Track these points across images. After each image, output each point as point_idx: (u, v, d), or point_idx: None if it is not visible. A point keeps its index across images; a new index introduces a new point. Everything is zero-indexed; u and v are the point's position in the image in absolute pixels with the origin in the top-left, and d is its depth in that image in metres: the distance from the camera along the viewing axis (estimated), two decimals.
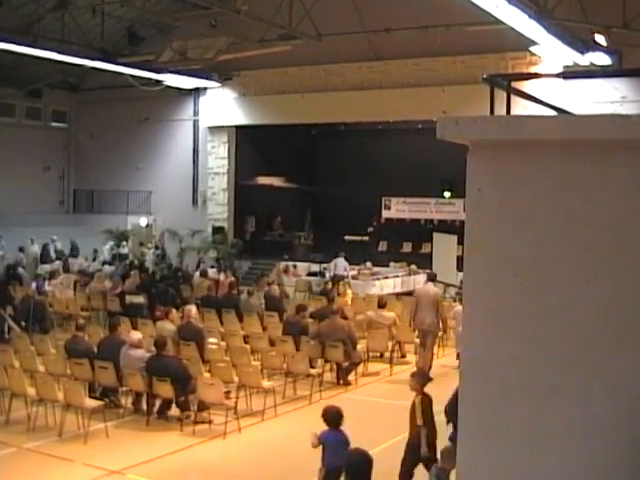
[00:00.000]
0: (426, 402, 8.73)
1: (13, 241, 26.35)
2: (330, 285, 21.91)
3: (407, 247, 28.84)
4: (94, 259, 26.54)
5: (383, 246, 29.29)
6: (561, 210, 2.72)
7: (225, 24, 22.49)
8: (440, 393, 9.11)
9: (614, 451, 2.66)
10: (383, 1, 24.12)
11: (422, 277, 24.50)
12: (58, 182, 33.49)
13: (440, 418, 8.74)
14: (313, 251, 29.63)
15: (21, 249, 26.03)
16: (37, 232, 27.13)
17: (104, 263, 25.76)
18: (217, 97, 29.41)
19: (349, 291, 20.62)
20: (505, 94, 3.59)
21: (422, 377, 9.21)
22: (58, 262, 25.36)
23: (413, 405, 8.75)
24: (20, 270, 23.95)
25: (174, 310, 15.68)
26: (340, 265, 24.32)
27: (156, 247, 28.69)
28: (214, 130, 29.92)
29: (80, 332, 13.16)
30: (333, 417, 8.15)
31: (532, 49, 20.62)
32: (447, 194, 27.11)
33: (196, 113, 30.30)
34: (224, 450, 10.52)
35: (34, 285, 20.11)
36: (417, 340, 15.42)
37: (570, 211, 2.71)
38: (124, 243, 28.45)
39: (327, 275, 23.96)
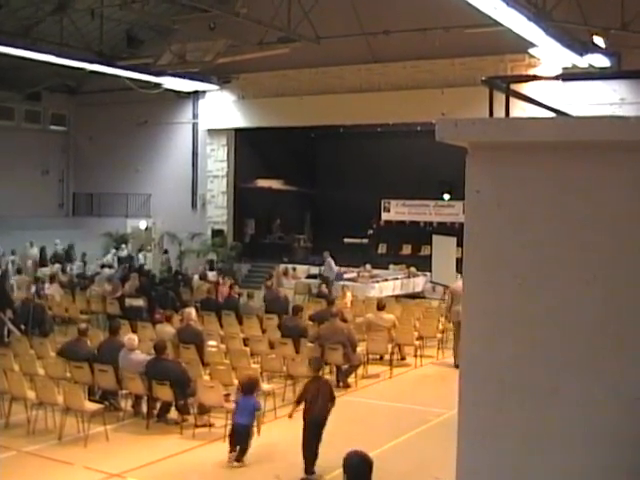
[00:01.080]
0: (310, 384, 9.88)
1: (12, 244, 26.34)
2: (326, 287, 21.63)
3: (406, 249, 28.82)
4: (84, 263, 26.51)
5: (382, 248, 29.26)
6: (560, 211, 2.73)
7: (224, 27, 22.47)
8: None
9: (614, 451, 2.66)
10: (382, 3, 24.14)
11: (422, 279, 24.62)
12: (57, 185, 33.49)
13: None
14: (312, 254, 29.63)
15: (13, 252, 25.99)
16: (37, 235, 27.12)
17: (103, 266, 25.77)
18: (216, 100, 29.43)
19: (348, 294, 20.58)
20: (504, 96, 3.60)
21: (315, 363, 10.55)
22: (57, 265, 25.36)
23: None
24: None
25: (174, 313, 15.67)
26: (334, 266, 24.35)
27: (165, 251, 28.62)
28: (213, 133, 29.93)
29: (83, 336, 13.13)
30: (247, 386, 10.22)
31: (531, 51, 20.63)
32: (446, 196, 27.08)
33: (195, 116, 30.31)
34: (224, 453, 10.50)
35: (34, 288, 20.11)
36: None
37: (569, 212, 2.72)
38: (123, 246, 28.45)
39: (330, 277, 23.95)
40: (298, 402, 9.81)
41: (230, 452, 10.01)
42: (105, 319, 18.98)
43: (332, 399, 9.81)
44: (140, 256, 28.56)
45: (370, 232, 29.19)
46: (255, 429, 10.21)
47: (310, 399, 9.70)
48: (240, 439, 10.01)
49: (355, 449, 5.08)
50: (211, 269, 25.12)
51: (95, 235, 28.62)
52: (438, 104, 22.99)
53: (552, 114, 4.37)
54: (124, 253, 28.24)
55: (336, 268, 24.23)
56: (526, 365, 2.76)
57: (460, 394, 2.92)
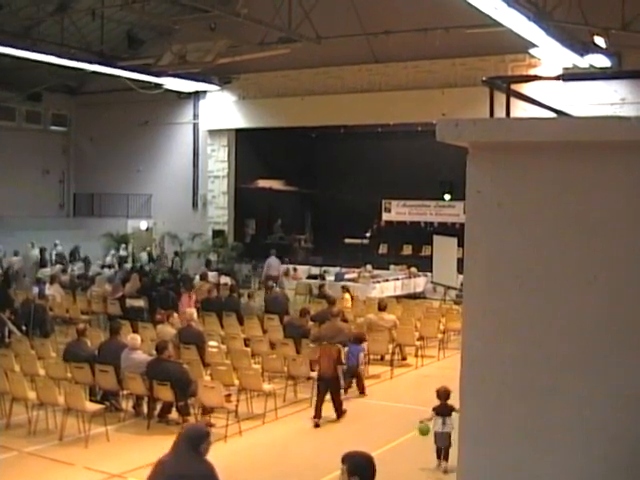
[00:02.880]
0: (322, 348, 12.65)
1: (13, 245, 26.35)
2: (264, 285, 21.42)
3: (407, 250, 28.82)
4: (85, 264, 26.51)
5: (383, 249, 29.26)
6: (561, 212, 2.73)
7: (224, 27, 22.50)
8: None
9: (614, 451, 2.66)
10: (382, 3, 24.14)
11: (422, 280, 24.62)
12: (58, 186, 33.50)
13: None
14: (313, 254, 29.64)
15: (16, 253, 26.02)
16: (37, 236, 27.13)
17: (103, 267, 25.79)
18: (217, 100, 29.43)
19: (347, 295, 20.31)
20: (505, 96, 3.59)
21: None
22: (58, 266, 25.37)
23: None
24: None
25: (175, 313, 15.68)
26: (273, 265, 24.56)
27: (175, 253, 28.61)
28: (214, 133, 29.94)
29: (82, 337, 13.14)
30: (356, 337, 14.16)
31: (531, 51, 20.64)
32: (447, 196, 27.12)
33: (196, 116, 30.32)
34: (225, 453, 10.50)
35: (36, 289, 20.11)
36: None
37: (570, 212, 2.72)
38: (123, 246, 28.48)
39: (327, 279, 23.95)
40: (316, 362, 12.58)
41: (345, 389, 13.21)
42: (106, 320, 18.97)
43: (339, 362, 12.31)
44: (143, 255, 28.51)
45: (368, 234, 29.11)
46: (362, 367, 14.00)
47: (319, 360, 12.37)
48: (349, 375, 13.37)
49: (358, 450, 5.05)
50: (208, 268, 25.18)
51: (96, 236, 28.63)
52: (439, 104, 23.00)
53: (553, 114, 4.37)
54: (124, 253, 28.28)
55: (281, 268, 24.89)
56: (527, 365, 2.76)
57: (461, 394, 2.92)
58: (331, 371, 12.15)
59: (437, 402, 9.93)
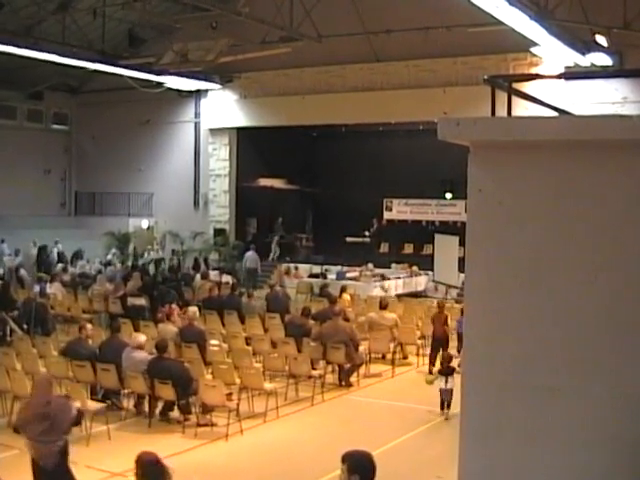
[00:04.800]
0: (437, 316, 15.58)
1: (15, 243, 26.37)
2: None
3: (409, 248, 28.80)
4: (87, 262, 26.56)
5: (385, 247, 29.24)
6: (562, 210, 2.73)
7: (226, 26, 22.49)
8: None
9: (615, 451, 2.66)
10: (384, 2, 24.12)
11: (424, 278, 24.62)
12: (59, 184, 33.50)
13: None
14: (314, 253, 29.62)
15: (17, 252, 26.02)
16: (39, 235, 27.14)
17: (102, 263, 25.84)
18: (218, 99, 29.42)
19: (346, 296, 20.09)
20: (506, 95, 3.59)
21: (439, 306, 16.15)
22: (60, 265, 25.38)
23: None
24: (22, 272, 24.00)
25: (175, 311, 15.67)
26: (252, 258, 25.16)
27: (181, 252, 28.65)
28: (215, 132, 29.93)
29: (83, 335, 13.15)
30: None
31: (533, 50, 20.63)
32: (448, 195, 27.10)
33: (197, 115, 30.31)
34: (226, 452, 10.50)
35: (37, 288, 20.11)
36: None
37: (571, 212, 2.71)
38: (157, 247, 28.64)
39: (328, 277, 23.94)
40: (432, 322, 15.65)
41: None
42: (107, 318, 18.98)
43: (445, 323, 15.31)
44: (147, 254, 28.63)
45: (367, 233, 29.06)
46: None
47: (433, 324, 15.42)
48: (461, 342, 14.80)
49: (358, 449, 5.03)
50: (195, 267, 25.22)
51: (97, 234, 28.63)
52: (440, 103, 22.98)
53: (554, 113, 4.37)
54: (155, 255, 28.52)
55: (259, 261, 25.89)
56: (527, 365, 2.76)
57: (462, 393, 2.92)
58: (442, 332, 15.11)
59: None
